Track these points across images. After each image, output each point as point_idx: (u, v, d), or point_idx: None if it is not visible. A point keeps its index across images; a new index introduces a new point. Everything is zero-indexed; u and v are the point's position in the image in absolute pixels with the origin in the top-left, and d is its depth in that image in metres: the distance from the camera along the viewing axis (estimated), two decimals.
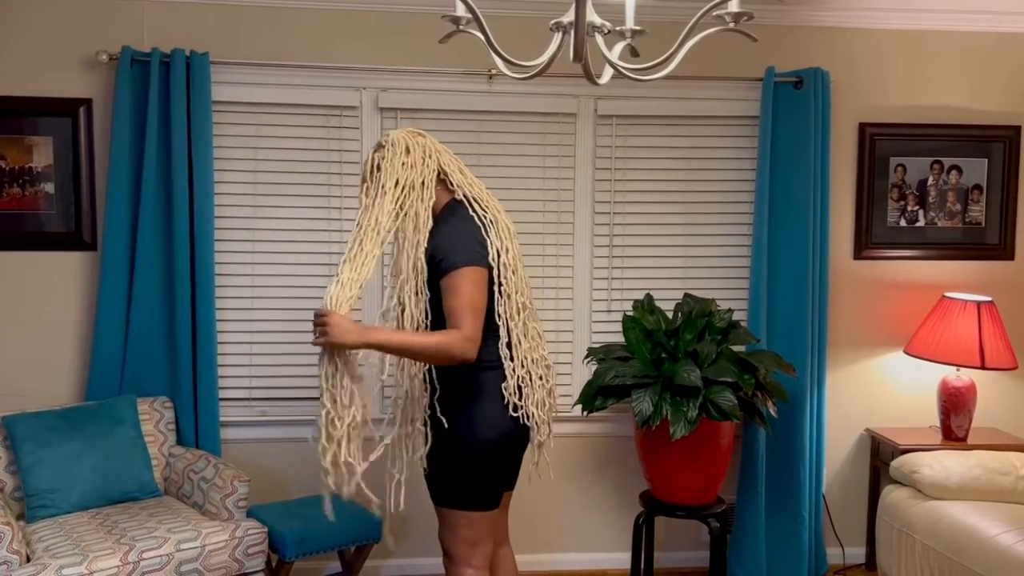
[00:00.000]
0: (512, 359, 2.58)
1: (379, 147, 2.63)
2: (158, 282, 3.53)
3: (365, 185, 2.61)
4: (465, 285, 2.48)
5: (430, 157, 2.61)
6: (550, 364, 2.74)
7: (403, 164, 2.56)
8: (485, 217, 2.59)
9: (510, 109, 3.74)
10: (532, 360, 2.64)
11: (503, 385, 2.57)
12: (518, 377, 2.59)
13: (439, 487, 2.65)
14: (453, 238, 2.53)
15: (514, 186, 3.78)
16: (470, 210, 2.59)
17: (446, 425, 2.57)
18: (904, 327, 3.95)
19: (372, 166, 2.61)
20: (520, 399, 2.59)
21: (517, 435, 2.62)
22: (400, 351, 2.50)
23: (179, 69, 3.44)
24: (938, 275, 4.02)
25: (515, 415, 2.57)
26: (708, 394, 3.25)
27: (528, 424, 2.62)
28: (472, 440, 2.56)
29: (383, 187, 2.53)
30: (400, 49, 3.69)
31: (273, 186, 3.69)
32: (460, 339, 2.44)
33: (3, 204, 3.54)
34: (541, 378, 2.67)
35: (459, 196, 2.62)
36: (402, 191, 2.53)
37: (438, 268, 2.51)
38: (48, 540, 2.91)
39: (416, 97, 3.71)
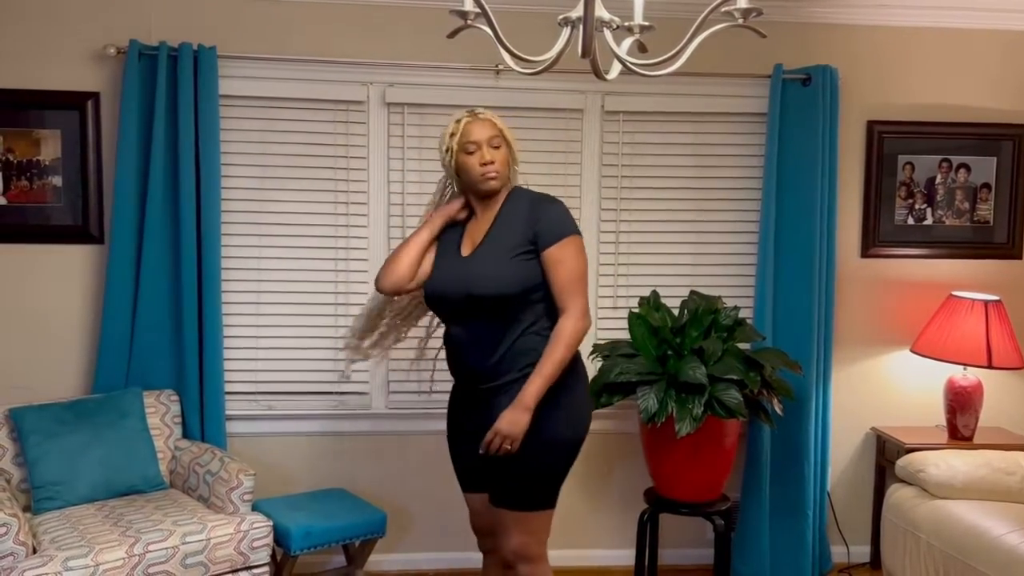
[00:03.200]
0: None
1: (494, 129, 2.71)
2: (165, 275, 3.53)
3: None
4: (581, 254, 2.55)
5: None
6: None
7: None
8: None
9: (517, 104, 3.72)
10: None
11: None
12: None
13: (523, 493, 2.55)
14: (563, 211, 2.60)
15: (520, 181, 3.76)
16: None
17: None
18: (911, 326, 3.94)
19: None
20: None
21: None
22: (552, 378, 2.49)
23: (186, 63, 3.44)
24: (945, 274, 4.00)
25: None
26: (713, 391, 3.24)
27: None
28: (566, 439, 2.58)
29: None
30: (407, 44, 3.68)
31: (280, 180, 3.69)
32: (582, 320, 2.51)
33: (11, 197, 3.55)
34: None
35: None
36: None
37: (543, 238, 2.53)
38: (54, 532, 2.92)
39: (423, 92, 3.71)
